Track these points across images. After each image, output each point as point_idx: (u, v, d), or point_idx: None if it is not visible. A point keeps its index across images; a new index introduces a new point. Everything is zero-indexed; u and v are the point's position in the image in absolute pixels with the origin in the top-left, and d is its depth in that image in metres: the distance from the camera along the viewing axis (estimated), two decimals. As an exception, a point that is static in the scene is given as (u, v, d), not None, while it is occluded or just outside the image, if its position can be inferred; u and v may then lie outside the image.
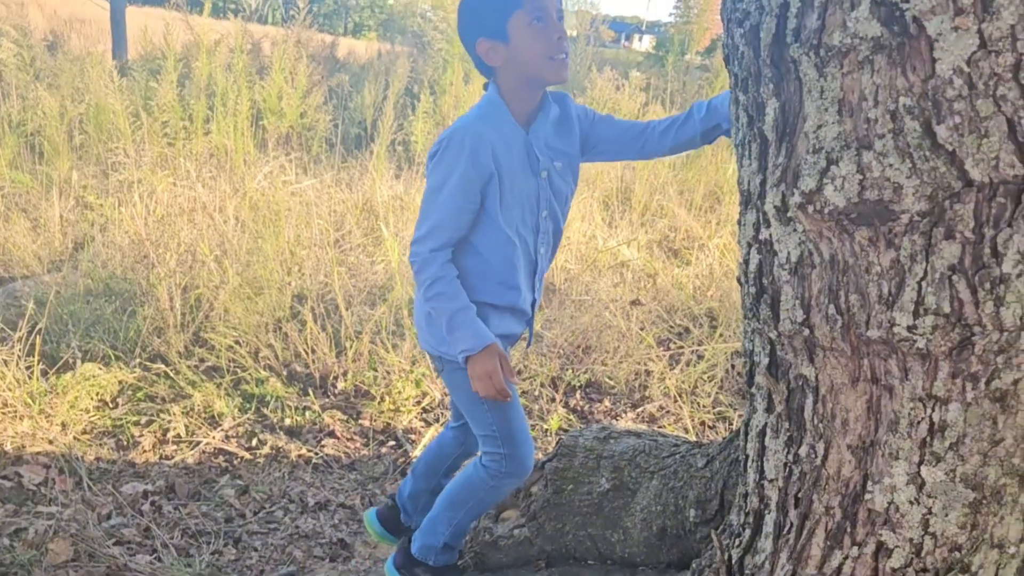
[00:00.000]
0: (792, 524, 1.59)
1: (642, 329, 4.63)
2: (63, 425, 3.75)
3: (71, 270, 5.20)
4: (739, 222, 1.63)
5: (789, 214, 1.45)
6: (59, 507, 3.24)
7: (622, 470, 2.68)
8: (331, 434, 3.87)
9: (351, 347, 4.30)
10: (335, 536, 3.27)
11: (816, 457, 1.53)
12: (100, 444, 3.68)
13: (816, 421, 1.52)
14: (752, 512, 1.69)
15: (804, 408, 1.54)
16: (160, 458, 3.66)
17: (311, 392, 4.11)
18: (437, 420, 4.04)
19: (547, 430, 4.01)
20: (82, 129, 7.39)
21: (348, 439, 3.89)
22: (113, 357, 4.21)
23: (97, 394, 3.96)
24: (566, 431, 3.97)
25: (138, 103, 7.36)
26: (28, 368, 3.94)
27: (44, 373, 3.99)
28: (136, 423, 3.85)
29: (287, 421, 3.90)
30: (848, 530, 1.50)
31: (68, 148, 7.11)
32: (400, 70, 8.63)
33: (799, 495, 1.57)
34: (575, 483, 2.72)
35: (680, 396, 4.17)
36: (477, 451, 2.47)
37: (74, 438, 3.68)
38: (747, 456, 1.73)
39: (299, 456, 3.71)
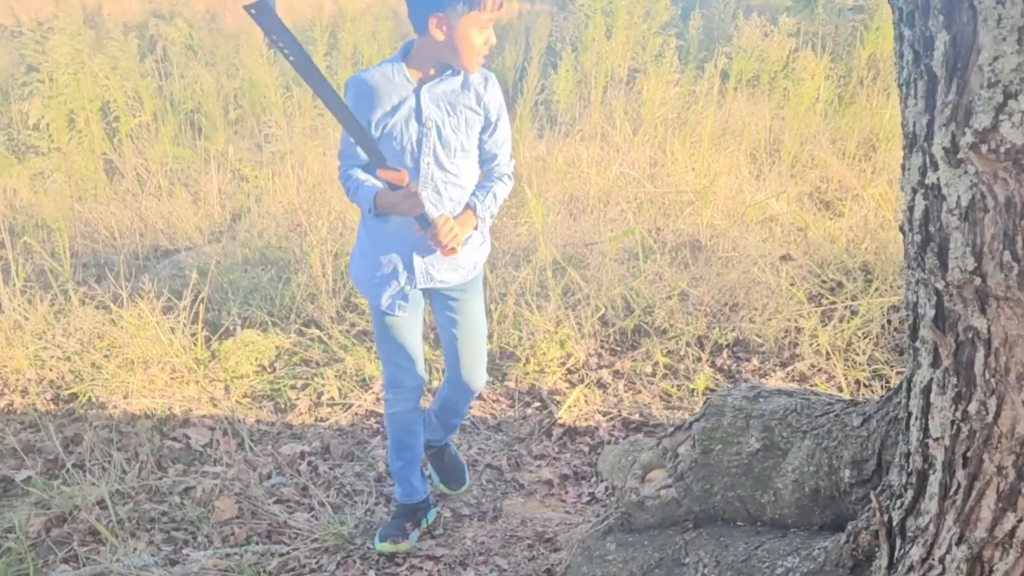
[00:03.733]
0: (960, 485, 1.49)
1: (792, 285, 4.48)
2: (226, 389, 3.94)
3: (229, 240, 5.43)
4: (903, 167, 1.53)
5: (960, 155, 1.35)
6: (224, 467, 3.41)
7: (772, 430, 2.60)
8: (478, 396, 3.91)
9: (496, 309, 4.33)
10: (482, 496, 3.31)
11: (987, 414, 1.43)
12: (260, 407, 3.85)
13: (988, 376, 1.42)
14: (915, 472, 1.60)
15: (974, 362, 1.44)
16: (315, 420, 3.79)
17: (458, 353, 4.17)
18: (582, 381, 4.03)
19: (693, 390, 3.94)
20: (237, 104, 7.69)
21: (494, 400, 3.93)
22: (270, 323, 4.39)
23: (256, 359, 4.14)
24: (713, 391, 3.89)
25: (289, 76, 7.59)
26: (193, 335, 4.15)
27: (207, 340, 4.20)
28: (292, 387, 4.00)
29: (435, 383, 3.97)
30: (1023, 492, 1.40)
31: (224, 123, 7.41)
32: (541, 29, 8.56)
33: (968, 454, 1.48)
34: (724, 443, 2.66)
35: (833, 354, 4.02)
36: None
37: (236, 401, 3.86)
38: (910, 414, 1.64)
39: (447, 416, 3.78)
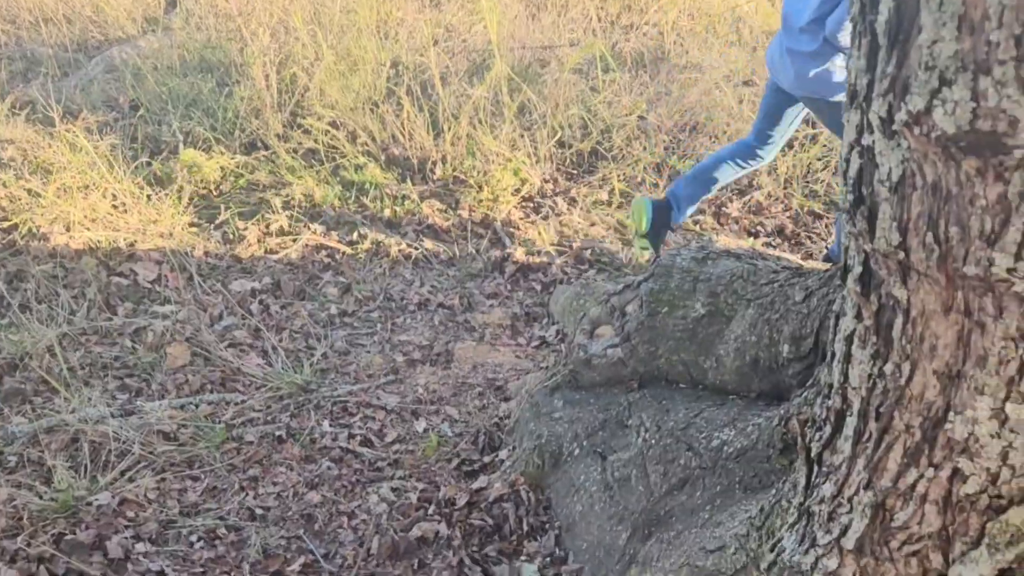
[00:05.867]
0: (872, 434, 1.53)
1: (753, 112, 4.34)
2: (171, 216, 3.82)
3: (165, 36, 5.12)
4: (844, 117, 1.45)
5: (894, 127, 1.27)
6: (174, 306, 3.38)
7: (718, 295, 2.63)
8: (430, 227, 3.87)
9: (449, 130, 4.20)
10: (434, 339, 3.35)
11: (900, 377, 1.45)
12: (207, 238, 3.78)
13: (904, 342, 1.42)
14: (834, 411, 1.64)
15: (893, 326, 1.44)
16: (265, 252, 3.74)
17: (409, 179, 4.08)
18: (537, 211, 3.99)
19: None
20: None
21: (446, 231, 3.88)
22: (213, 140, 4.23)
23: (200, 181, 4.00)
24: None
25: None
26: (133, 156, 3.99)
27: (148, 163, 4.04)
28: (240, 213, 3.91)
29: (386, 212, 3.91)
30: (926, 452, 1.45)
31: None
32: None
33: (880, 409, 1.50)
34: (670, 306, 2.70)
35: (791, 182, 3.98)
36: None
37: (182, 230, 3.77)
38: (834, 354, 1.65)
39: (399, 251, 3.75)
